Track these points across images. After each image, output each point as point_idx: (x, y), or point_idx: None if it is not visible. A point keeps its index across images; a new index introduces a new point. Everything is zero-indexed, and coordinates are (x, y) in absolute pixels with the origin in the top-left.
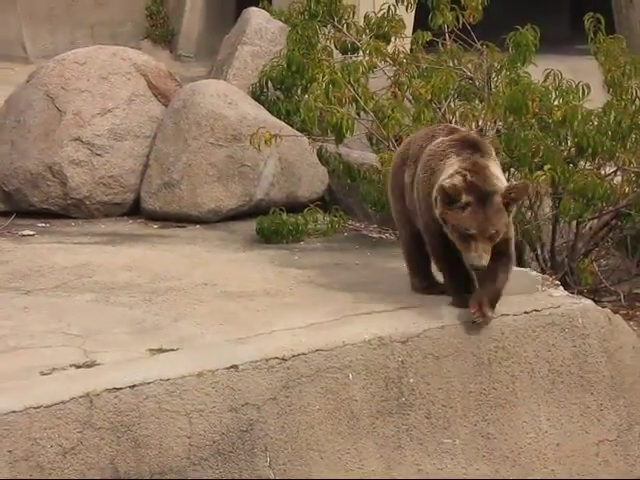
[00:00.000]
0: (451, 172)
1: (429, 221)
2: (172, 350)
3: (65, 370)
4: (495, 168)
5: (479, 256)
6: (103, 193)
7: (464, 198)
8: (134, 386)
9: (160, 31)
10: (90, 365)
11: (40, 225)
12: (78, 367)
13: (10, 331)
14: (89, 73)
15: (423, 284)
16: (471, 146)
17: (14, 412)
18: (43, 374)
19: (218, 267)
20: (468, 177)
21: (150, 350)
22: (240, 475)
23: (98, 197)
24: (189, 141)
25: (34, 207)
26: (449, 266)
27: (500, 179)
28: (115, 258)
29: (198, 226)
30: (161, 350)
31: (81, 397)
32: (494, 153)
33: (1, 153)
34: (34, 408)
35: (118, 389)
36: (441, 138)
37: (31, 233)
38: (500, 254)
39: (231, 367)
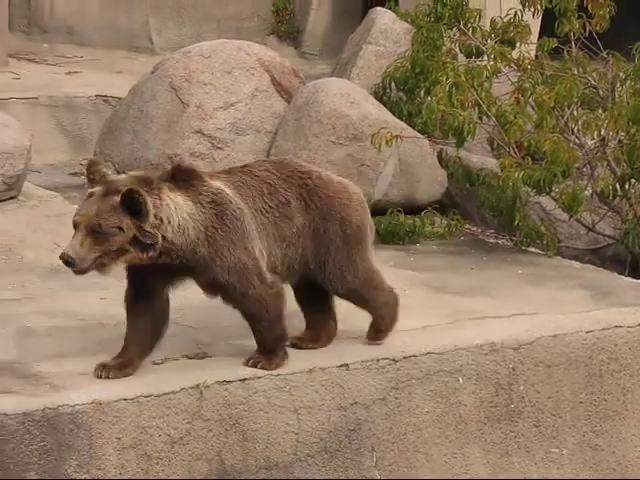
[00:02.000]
0: None
1: None
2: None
3: (177, 360)
4: (173, 194)
5: (71, 245)
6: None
7: (94, 189)
8: (244, 380)
9: (286, 27)
10: (202, 357)
11: None
12: (190, 358)
13: (124, 319)
14: (213, 67)
15: None
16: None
17: (124, 400)
18: (155, 363)
19: None
20: (122, 180)
21: None
22: (346, 475)
23: None
24: (310, 138)
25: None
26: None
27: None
28: None
29: None
30: None
31: (191, 388)
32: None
33: (123, 142)
34: (144, 397)
35: (228, 382)
36: None
37: None
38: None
39: (342, 365)
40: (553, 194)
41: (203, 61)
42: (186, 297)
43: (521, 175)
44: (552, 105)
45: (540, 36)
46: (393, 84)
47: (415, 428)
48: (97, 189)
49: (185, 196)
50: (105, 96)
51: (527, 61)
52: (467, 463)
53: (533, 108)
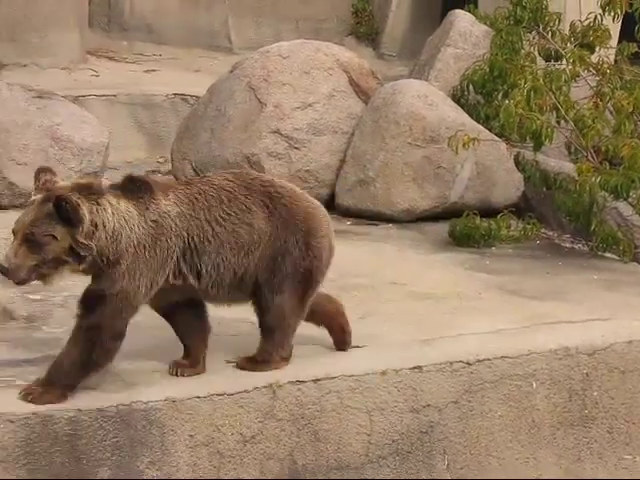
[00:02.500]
0: None
1: None
2: (357, 347)
3: None
4: (116, 202)
5: (6, 254)
6: (298, 186)
7: (35, 197)
8: (317, 380)
9: (364, 28)
10: None
11: None
12: None
13: None
14: (292, 67)
15: None
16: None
17: (198, 397)
18: (228, 362)
19: (408, 267)
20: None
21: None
22: (417, 477)
23: None
24: (387, 140)
25: None
26: None
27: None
28: None
29: (390, 225)
30: None
31: (264, 387)
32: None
33: (201, 141)
34: (218, 395)
35: (301, 382)
36: None
37: None
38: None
39: (415, 368)
40: (630, 200)
41: (282, 61)
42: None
43: (598, 180)
44: (631, 110)
45: (620, 41)
46: (471, 87)
47: (487, 432)
48: (38, 196)
49: (130, 205)
50: (183, 95)
51: (606, 65)
52: (539, 468)
53: (611, 113)
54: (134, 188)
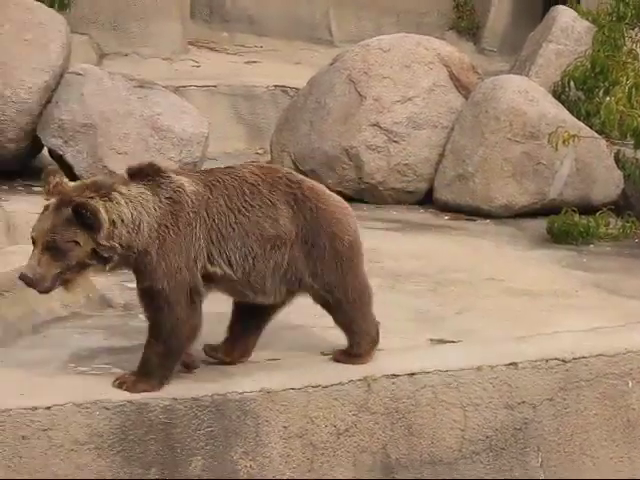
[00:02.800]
0: None
1: None
2: (453, 342)
3: None
4: (126, 193)
5: (29, 264)
6: (397, 180)
7: (50, 201)
8: (412, 374)
9: (465, 23)
10: None
11: None
12: None
13: (296, 308)
14: (392, 60)
15: None
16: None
17: (292, 389)
18: (324, 354)
19: (505, 263)
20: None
21: (431, 340)
22: (511, 474)
23: (392, 184)
24: (486, 135)
25: (328, 188)
26: None
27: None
28: (404, 246)
29: (488, 220)
30: (442, 341)
31: (359, 380)
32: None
33: (300, 133)
34: (312, 387)
35: (396, 376)
36: None
37: None
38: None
39: (510, 364)
40: None
41: (382, 55)
42: None
43: None
44: None
45: None
46: (572, 83)
47: (582, 430)
48: (51, 201)
49: (141, 187)
50: (283, 86)
51: None
52: (634, 467)
53: None
54: (140, 171)
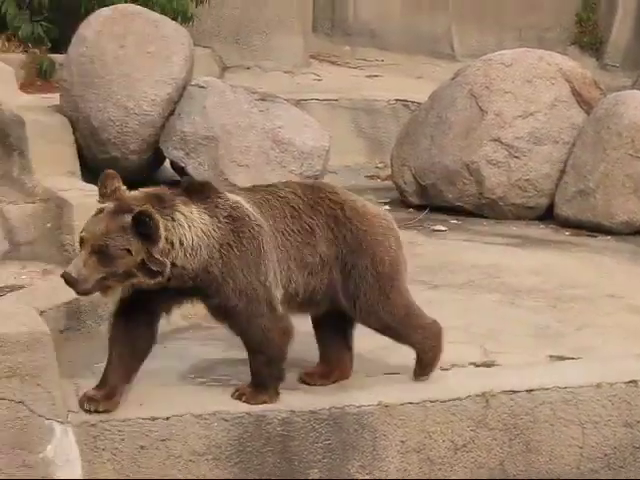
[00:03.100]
0: None
1: None
2: (572, 358)
3: (464, 367)
4: (189, 209)
5: (75, 263)
6: (517, 195)
7: (104, 205)
8: (531, 390)
9: (588, 38)
10: (489, 365)
11: (452, 221)
12: (477, 366)
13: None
14: (514, 75)
15: None
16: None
17: (410, 403)
18: (442, 369)
19: (625, 280)
20: (136, 195)
21: (550, 356)
22: None
23: (512, 199)
24: (608, 151)
25: (448, 203)
26: None
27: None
28: (523, 261)
29: (609, 237)
30: (561, 357)
31: (477, 396)
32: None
33: (420, 147)
34: (430, 401)
35: (515, 392)
36: None
37: (443, 229)
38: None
39: (630, 382)
40: None
41: (504, 69)
42: (478, 304)
43: None
44: None
45: None
46: None
47: None
48: (108, 205)
49: (201, 210)
50: (404, 100)
51: None
52: None
53: None
54: (198, 190)
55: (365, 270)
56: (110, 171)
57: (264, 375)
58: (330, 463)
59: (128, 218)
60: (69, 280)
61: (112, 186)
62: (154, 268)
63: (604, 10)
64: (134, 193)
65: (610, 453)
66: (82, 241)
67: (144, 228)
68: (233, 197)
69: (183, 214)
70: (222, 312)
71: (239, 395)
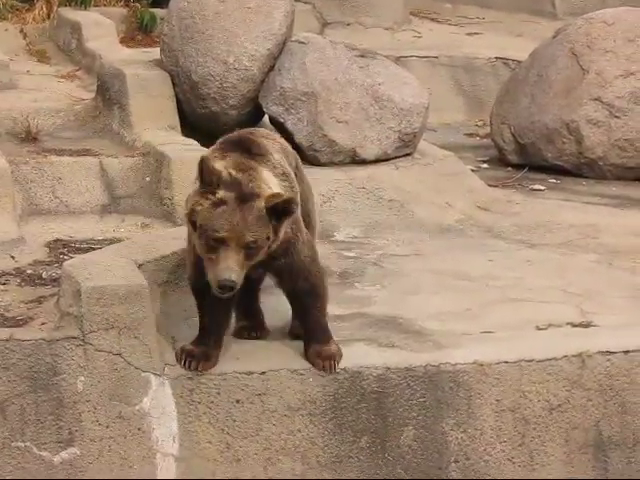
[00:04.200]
0: None
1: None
2: None
3: (561, 327)
4: (265, 172)
5: (228, 267)
6: (617, 156)
7: (221, 193)
8: (627, 352)
9: None
10: (586, 325)
11: (551, 181)
12: (574, 326)
13: (512, 282)
14: (615, 34)
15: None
16: (237, 145)
17: (506, 362)
18: (539, 328)
19: None
20: (233, 173)
21: None
22: None
23: (612, 159)
24: None
25: (547, 162)
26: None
27: (269, 185)
28: (623, 222)
29: None
30: None
31: (574, 356)
32: (275, 157)
33: (520, 106)
34: (526, 361)
35: (611, 352)
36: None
37: (541, 188)
38: (300, 287)
39: None
40: None
41: (605, 28)
42: (575, 264)
43: None
44: None
45: None
46: None
47: None
48: (227, 195)
49: (268, 171)
50: (505, 59)
51: None
52: None
53: None
54: (252, 148)
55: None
56: (206, 156)
57: (325, 325)
58: (424, 420)
59: (260, 204)
60: (232, 287)
61: (224, 173)
62: (274, 244)
63: None
64: (228, 171)
65: None
66: (223, 241)
67: (285, 212)
68: (276, 155)
69: (267, 178)
70: (289, 270)
71: (331, 365)
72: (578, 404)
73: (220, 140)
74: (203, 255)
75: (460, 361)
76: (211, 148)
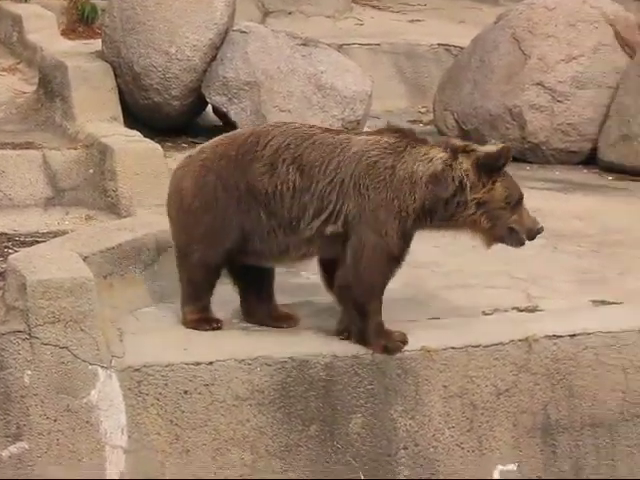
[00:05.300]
0: (441, 157)
1: (396, 230)
2: (615, 303)
3: (507, 312)
4: None
5: (535, 219)
6: (560, 140)
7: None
8: (574, 335)
9: None
10: (532, 310)
11: None
12: (520, 310)
13: (457, 268)
14: (557, 19)
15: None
16: (408, 135)
17: (453, 348)
18: (485, 314)
19: None
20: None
21: (593, 301)
22: None
23: (555, 143)
24: None
25: None
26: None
27: None
28: (566, 206)
29: None
30: (604, 302)
31: (520, 340)
32: None
33: (463, 92)
34: (473, 346)
35: (558, 336)
36: (359, 137)
37: None
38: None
39: None
40: None
41: (547, 13)
42: (521, 249)
43: None
44: None
45: None
46: None
47: None
48: (463, 158)
49: None
50: (447, 45)
51: None
52: None
53: None
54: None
55: None
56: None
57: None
58: (373, 408)
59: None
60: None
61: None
62: None
63: None
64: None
65: None
66: (519, 201)
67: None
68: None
69: None
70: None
71: (394, 346)
72: (525, 388)
73: (372, 137)
74: (507, 219)
75: (407, 348)
76: (368, 145)
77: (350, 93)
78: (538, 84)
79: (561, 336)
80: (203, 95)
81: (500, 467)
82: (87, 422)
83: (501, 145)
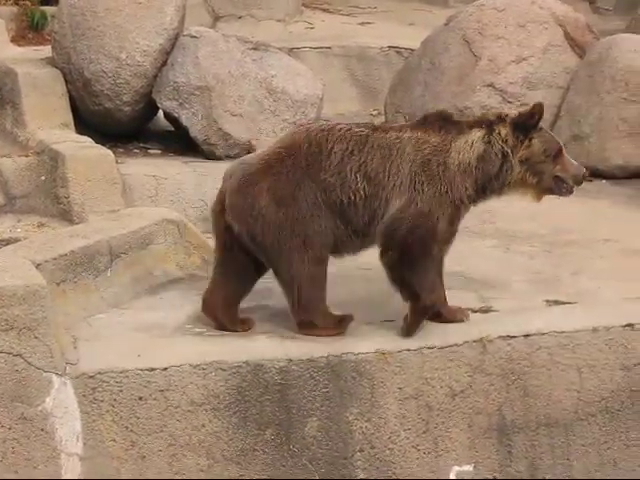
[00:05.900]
0: (480, 136)
1: (453, 211)
2: (569, 303)
3: None
4: None
5: (579, 165)
6: None
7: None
8: (528, 335)
9: None
10: (486, 310)
11: None
12: (474, 311)
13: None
14: (507, 20)
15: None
16: (447, 118)
17: (408, 350)
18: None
19: (621, 224)
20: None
21: (547, 301)
22: (627, 436)
23: None
24: (602, 95)
25: None
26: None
27: None
28: (519, 206)
29: (604, 181)
30: (557, 302)
31: (475, 342)
32: None
33: (414, 94)
34: (428, 348)
35: (512, 337)
36: (400, 134)
37: None
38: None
39: (627, 325)
40: None
41: (497, 14)
42: (473, 250)
43: None
44: None
45: None
46: None
47: None
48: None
49: None
50: (397, 47)
51: None
52: None
53: None
54: None
55: None
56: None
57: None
58: (328, 411)
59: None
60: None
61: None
62: None
63: None
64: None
65: (607, 397)
66: (562, 149)
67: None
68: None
69: None
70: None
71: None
72: (480, 389)
73: (419, 133)
74: (551, 170)
75: (362, 350)
76: (415, 139)
77: (301, 97)
78: (489, 85)
79: (515, 336)
80: (154, 100)
81: (456, 468)
82: (42, 430)
83: (532, 104)
